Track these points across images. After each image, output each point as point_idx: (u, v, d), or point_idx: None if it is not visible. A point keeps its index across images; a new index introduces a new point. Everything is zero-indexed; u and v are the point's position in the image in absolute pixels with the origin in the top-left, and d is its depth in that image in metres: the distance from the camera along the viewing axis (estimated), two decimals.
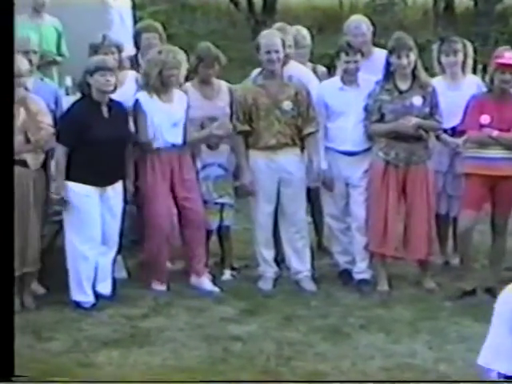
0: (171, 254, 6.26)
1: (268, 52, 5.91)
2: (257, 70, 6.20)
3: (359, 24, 6.58)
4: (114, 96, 5.73)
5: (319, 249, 6.69)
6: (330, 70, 6.69)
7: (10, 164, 4.07)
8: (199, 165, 6.17)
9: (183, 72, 5.97)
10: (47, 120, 5.67)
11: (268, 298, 5.89)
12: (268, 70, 6.00)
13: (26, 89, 5.67)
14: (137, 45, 6.69)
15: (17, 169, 5.55)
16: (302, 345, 5.17)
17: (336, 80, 6.13)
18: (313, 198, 6.46)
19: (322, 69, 6.69)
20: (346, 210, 6.15)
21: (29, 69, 5.66)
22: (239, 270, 6.38)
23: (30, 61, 5.82)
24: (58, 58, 7.23)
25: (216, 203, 6.22)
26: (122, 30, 7.56)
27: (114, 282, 5.90)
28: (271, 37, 5.99)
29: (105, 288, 5.82)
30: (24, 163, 5.58)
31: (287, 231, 6.11)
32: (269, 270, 6.15)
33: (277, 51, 5.92)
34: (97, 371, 4.84)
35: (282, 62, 5.97)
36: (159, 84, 5.90)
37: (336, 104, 6.04)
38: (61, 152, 5.61)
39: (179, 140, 5.96)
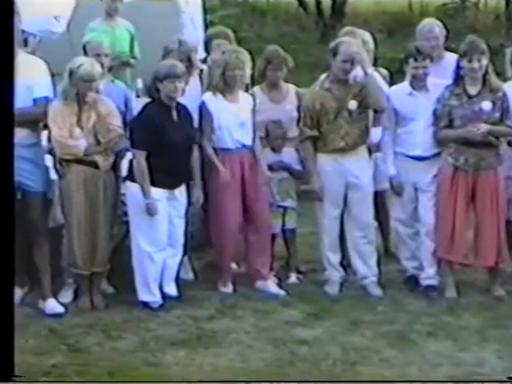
0: (237, 257, 6.30)
1: (344, 61, 5.87)
2: (324, 75, 6.18)
3: (432, 27, 6.52)
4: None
5: (386, 254, 6.64)
6: (392, 73, 6.64)
7: (10, 164, 4.08)
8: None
9: (248, 72, 5.98)
10: (117, 122, 5.74)
11: (334, 302, 5.87)
12: (338, 77, 5.96)
13: (97, 91, 5.75)
14: (207, 49, 6.76)
15: (87, 170, 5.67)
16: (368, 350, 5.14)
17: (405, 85, 6.08)
18: (379, 203, 6.42)
19: (383, 71, 6.64)
20: (414, 214, 6.09)
21: (101, 72, 5.75)
22: (306, 273, 6.38)
23: (102, 64, 5.91)
24: (131, 60, 7.33)
25: (279, 206, 6.23)
26: (193, 34, 7.65)
27: (180, 283, 5.95)
28: (350, 46, 5.92)
29: (172, 289, 5.88)
30: (94, 164, 5.65)
31: (353, 235, 6.08)
32: (335, 274, 6.14)
33: (352, 62, 5.89)
34: (164, 371, 4.89)
35: (352, 70, 5.94)
36: (222, 84, 5.93)
37: (405, 109, 5.99)
38: (140, 157, 5.60)
39: (248, 141, 5.99)
